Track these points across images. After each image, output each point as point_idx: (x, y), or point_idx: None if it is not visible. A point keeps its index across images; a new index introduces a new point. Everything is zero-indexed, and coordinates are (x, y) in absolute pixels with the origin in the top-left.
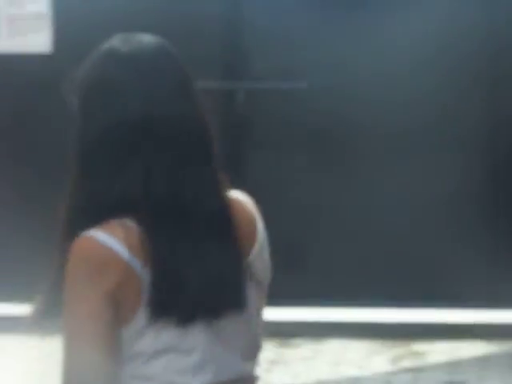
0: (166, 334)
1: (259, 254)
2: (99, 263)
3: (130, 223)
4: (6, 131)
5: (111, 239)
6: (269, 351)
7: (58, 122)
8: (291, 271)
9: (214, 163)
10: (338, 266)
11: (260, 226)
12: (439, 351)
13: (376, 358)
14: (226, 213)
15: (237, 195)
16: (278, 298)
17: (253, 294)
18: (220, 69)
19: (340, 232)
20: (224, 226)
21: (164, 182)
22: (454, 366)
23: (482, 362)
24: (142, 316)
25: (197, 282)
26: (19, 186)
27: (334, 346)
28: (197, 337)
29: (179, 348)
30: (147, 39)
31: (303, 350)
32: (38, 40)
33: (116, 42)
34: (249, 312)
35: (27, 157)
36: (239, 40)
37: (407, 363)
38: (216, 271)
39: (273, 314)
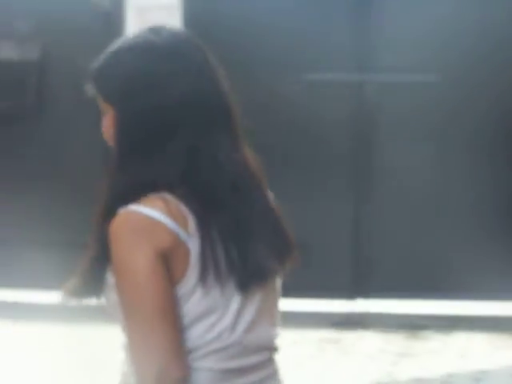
0: (211, 296)
1: None
2: (146, 231)
3: (168, 197)
4: None
5: (153, 211)
6: (397, 344)
7: None
8: (423, 263)
9: (241, 145)
10: (469, 257)
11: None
12: None
13: (503, 351)
14: (262, 188)
15: None
16: (407, 290)
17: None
18: (350, 62)
19: (468, 222)
20: (263, 200)
21: (204, 160)
22: None
23: None
24: (190, 278)
25: (246, 251)
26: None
27: (462, 339)
28: (233, 299)
29: (218, 310)
30: (175, 31)
31: (431, 342)
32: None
33: (149, 35)
34: (275, 280)
35: None
36: (369, 33)
37: None
38: (262, 239)
39: (401, 306)
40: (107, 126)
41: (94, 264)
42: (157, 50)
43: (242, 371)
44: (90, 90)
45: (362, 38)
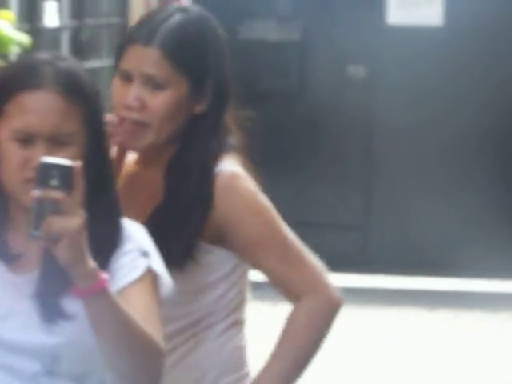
0: None
1: None
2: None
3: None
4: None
5: (245, 174)
6: None
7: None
8: None
9: None
10: None
11: None
12: None
13: None
14: None
15: None
16: None
17: None
18: None
19: None
20: None
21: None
22: None
23: None
24: None
25: None
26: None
27: None
28: None
29: None
30: (200, 9)
31: None
32: (430, 12)
33: (189, 12)
34: None
35: None
36: None
37: None
38: None
39: None
40: (167, 102)
41: (186, 230)
42: (212, 22)
43: None
44: (137, 64)
45: None
